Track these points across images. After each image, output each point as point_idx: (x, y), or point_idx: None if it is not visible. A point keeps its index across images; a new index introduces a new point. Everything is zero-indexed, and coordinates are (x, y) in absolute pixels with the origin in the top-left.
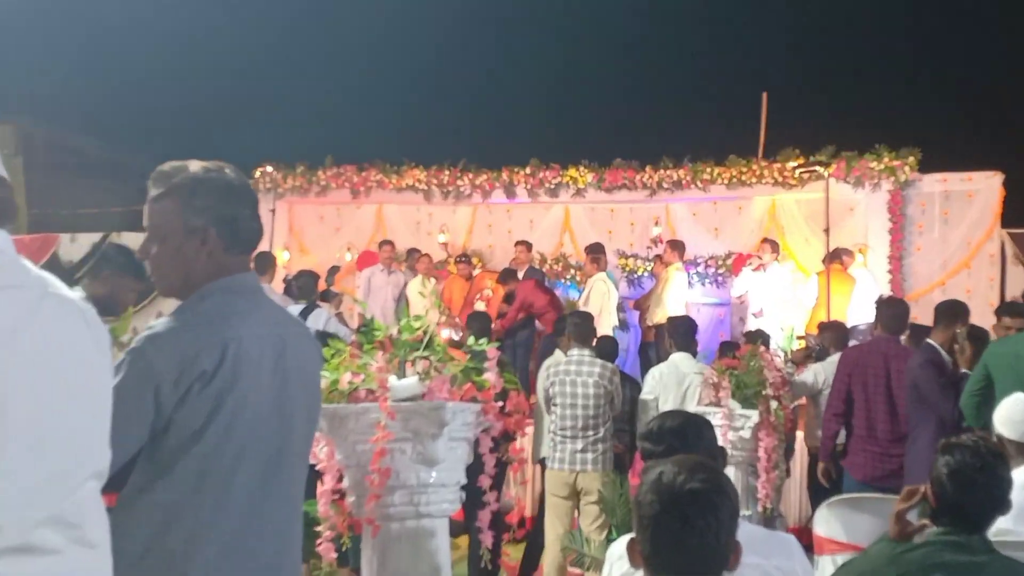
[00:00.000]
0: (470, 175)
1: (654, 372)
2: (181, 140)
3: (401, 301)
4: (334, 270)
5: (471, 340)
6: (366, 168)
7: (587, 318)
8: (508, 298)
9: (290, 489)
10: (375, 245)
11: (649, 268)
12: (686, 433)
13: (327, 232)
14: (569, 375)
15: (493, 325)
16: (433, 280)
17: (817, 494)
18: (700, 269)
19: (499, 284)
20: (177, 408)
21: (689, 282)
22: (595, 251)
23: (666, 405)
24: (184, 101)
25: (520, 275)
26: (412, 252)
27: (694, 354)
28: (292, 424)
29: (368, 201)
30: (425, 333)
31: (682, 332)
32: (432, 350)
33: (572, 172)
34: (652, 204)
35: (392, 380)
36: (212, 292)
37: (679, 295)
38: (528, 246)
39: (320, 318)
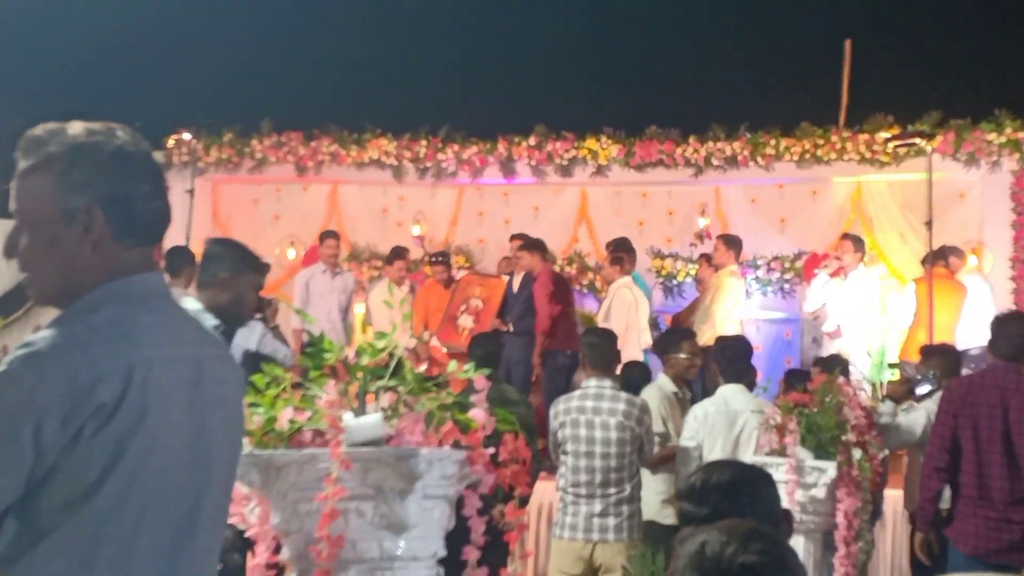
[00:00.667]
0: (454, 147)
1: (697, 411)
2: (70, 101)
3: (350, 312)
4: (264, 269)
5: (460, 366)
6: (316, 136)
7: (607, 337)
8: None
9: (205, 562)
10: None
11: (693, 272)
12: (738, 490)
13: (264, 220)
14: (584, 413)
15: (539, 329)
16: (407, 285)
17: (916, 573)
18: (760, 274)
19: (526, 254)
20: (65, 454)
21: (747, 291)
22: (620, 248)
23: (712, 454)
24: (74, 49)
25: (515, 278)
26: (396, 253)
27: (750, 386)
28: (210, 475)
29: (319, 180)
30: (392, 356)
31: (734, 357)
32: (401, 379)
33: (591, 143)
34: (697, 187)
35: (347, 418)
36: (105, 300)
37: (732, 308)
38: (533, 244)
39: (252, 334)
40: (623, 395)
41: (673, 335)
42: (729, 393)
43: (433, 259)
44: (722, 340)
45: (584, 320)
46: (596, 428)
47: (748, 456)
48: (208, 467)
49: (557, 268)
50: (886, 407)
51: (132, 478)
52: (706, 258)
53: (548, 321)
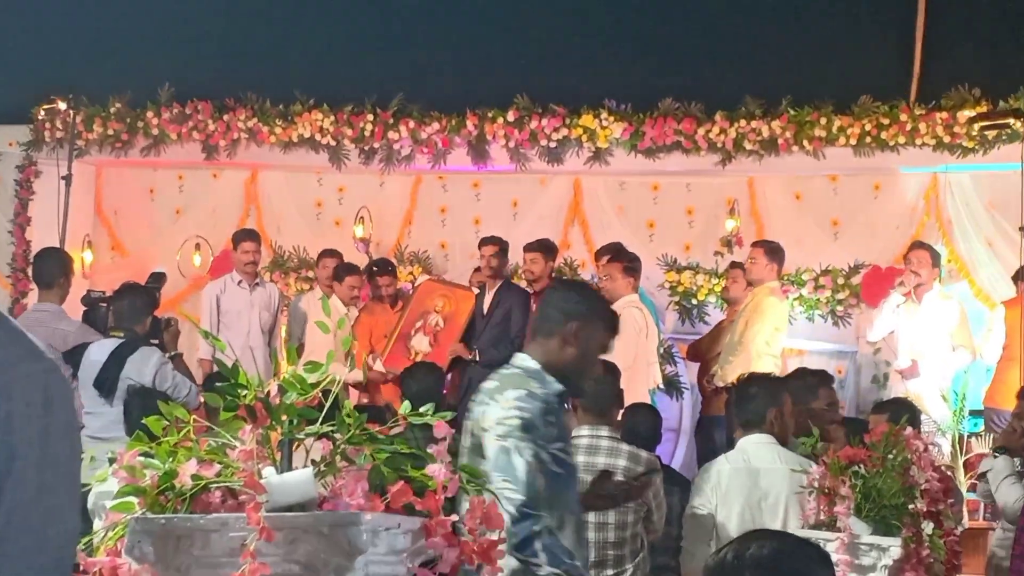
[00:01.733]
0: (409, 123)
1: (711, 469)
2: None
3: (275, 335)
4: (159, 278)
5: (403, 408)
6: (230, 108)
7: (607, 372)
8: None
9: None
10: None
11: (718, 289)
12: (778, 570)
13: (161, 216)
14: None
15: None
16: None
17: None
18: (806, 292)
19: (536, 254)
20: None
21: (791, 315)
22: (621, 256)
23: (728, 525)
24: None
25: (484, 291)
26: (347, 268)
27: (783, 439)
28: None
29: (233, 164)
30: (326, 394)
31: (756, 397)
32: (339, 423)
33: (587, 120)
34: (725, 178)
35: (269, 474)
36: None
37: (774, 337)
38: (548, 247)
39: (146, 364)
40: (624, 448)
41: (805, 377)
42: (751, 446)
43: (375, 270)
44: (749, 378)
45: None
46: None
47: (790, 529)
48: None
49: (539, 284)
50: (1000, 464)
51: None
52: (737, 270)
53: None
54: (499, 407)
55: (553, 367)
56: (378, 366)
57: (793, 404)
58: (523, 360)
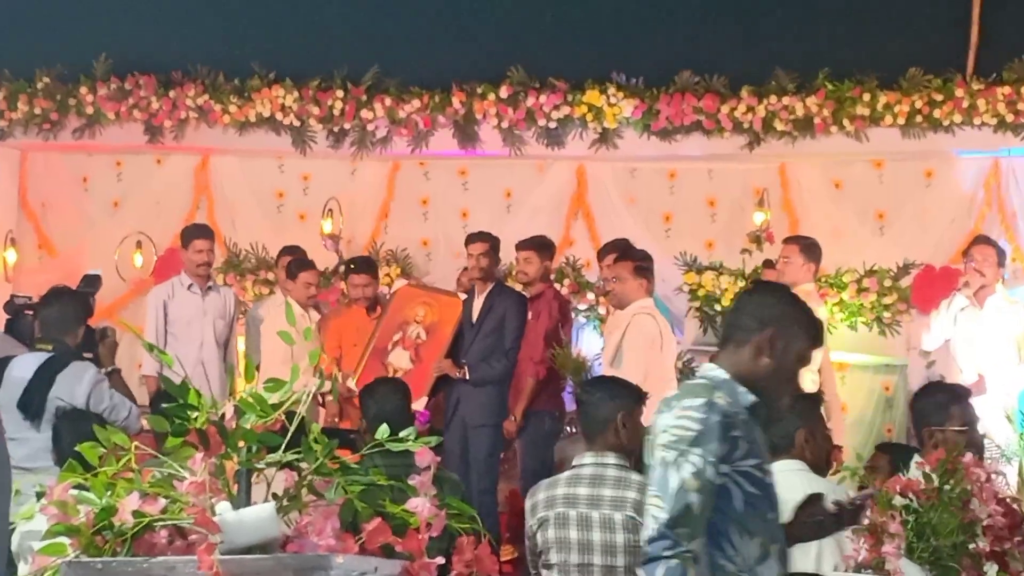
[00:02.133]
0: (386, 100)
1: None
2: None
3: (230, 347)
4: (93, 281)
5: (380, 432)
6: (177, 82)
7: (612, 391)
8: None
9: None
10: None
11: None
12: None
13: (96, 208)
14: (576, 506)
15: (529, 374)
16: (314, 310)
17: None
18: (847, 296)
19: (530, 252)
20: None
21: (830, 323)
22: (631, 255)
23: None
24: None
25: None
26: (300, 263)
27: (817, 466)
28: None
29: (180, 148)
30: (289, 416)
31: (786, 416)
32: (305, 450)
33: (592, 97)
34: (753, 164)
35: (223, 510)
36: None
37: None
38: (543, 244)
39: (80, 382)
40: (635, 478)
41: (935, 393)
42: (778, 474)
43: (351, 267)
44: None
45: (572, 367)
46: (594, 528)
47: (827, 568)
48: None
49: (534, 288)
50: None
51: None
52: (767, 271)
53: (544, 366)
54: (671, 415)
55: (745, 379)
56: (351, 385)
57: (920, 426)
58: (710, 370)
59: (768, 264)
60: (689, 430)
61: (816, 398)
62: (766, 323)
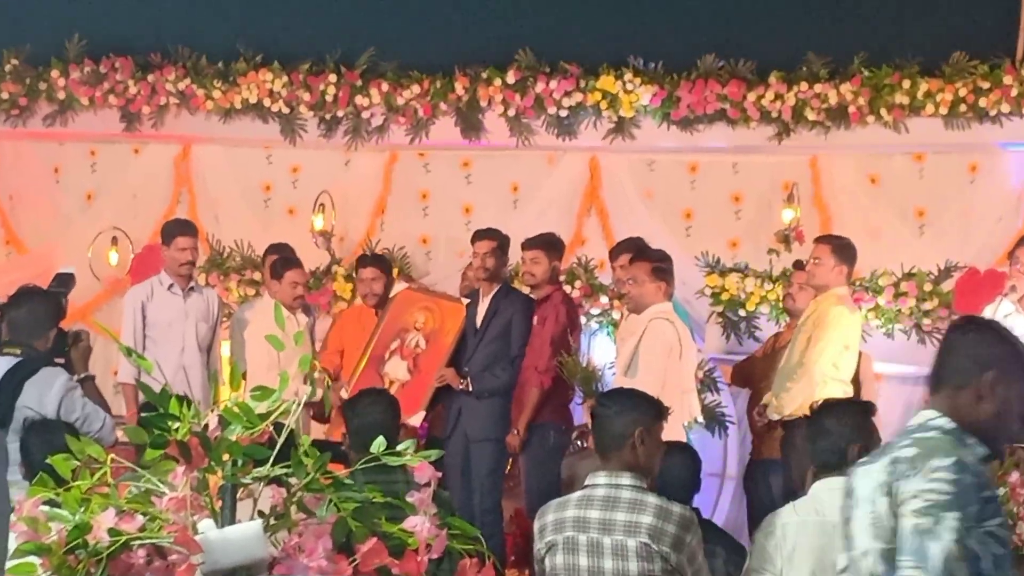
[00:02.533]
0: (382, 85)
1: (775, 523)
2: None
3: (214, 353)
4: (66, 281)
5: (376, 445)
6: (156, 65)
7: (630, 404)
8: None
9: None
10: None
11: (773, 295)
12: None
13: (68, 201)
14: (587, 530)
15: (534, 384)
16: (303, 313)
17: None
18: (883, 301)
19: (537, 252)
20: None
21: (865, 330)
22: (647, 255)
23: None
24: None
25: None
26: (285, 262)
27: None
28: None
29: (160, 137)
30: (277, 428)
31: (837, 432)
32: (295, 464)
33: (607, 83)
34: (782, 156)
35: (207, 529)
36: None
37: (842, 357)
38: (551, 243)
39: (50, 389)
40: (651, 500)
41: None
42: (826, 494)
43: (363, 262)
44: (825, 407)
45: (581, 377)
46: (606, 554)
47: None
48: None
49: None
50: None
51: None
52: (797, 274)
53: (550, 375)
54: (919, 478)
55: (968, 426)
56: (345, 397)
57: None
58: (934, 419)
59: (798, 265)
60: (943, 493)
61: (868, 409)
62: (985, 365)
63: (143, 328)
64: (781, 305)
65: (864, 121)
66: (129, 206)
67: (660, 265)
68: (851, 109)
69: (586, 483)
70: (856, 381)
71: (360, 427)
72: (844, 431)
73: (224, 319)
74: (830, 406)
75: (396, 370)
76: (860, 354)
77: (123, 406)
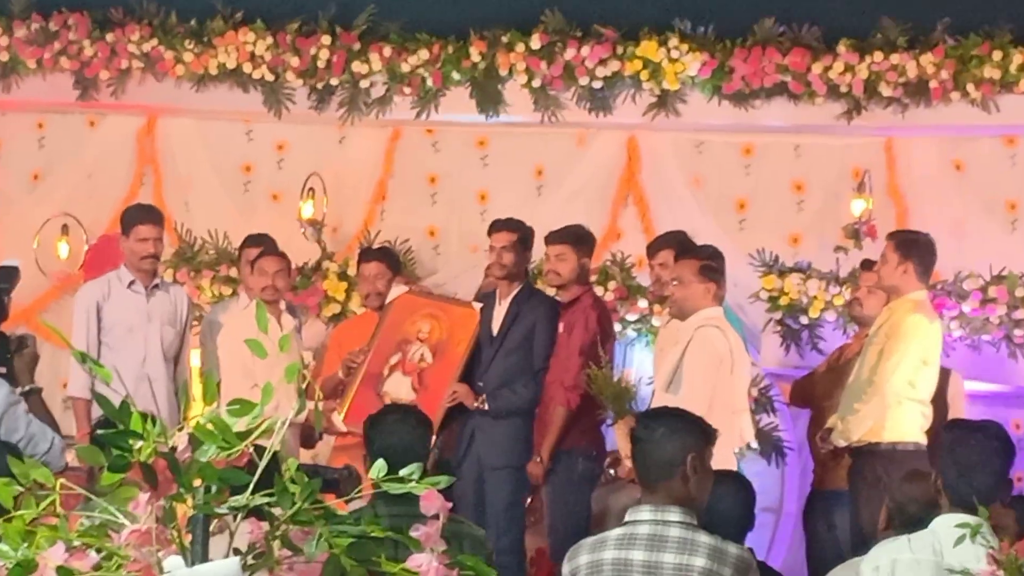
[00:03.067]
0: (384, 50)
1: (892, 557)
2: None
3: (182, 360)
4: (8, 275)
5: (375, 469)
6: (117, 23)
7: (679, 426)
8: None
9: None
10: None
11: (840, 300)
12: None
13: (11, 181)
14: (629, 572)
15: (559, 402)
16: (290, 315)
17: None
18: (968, 308)
19: (564, 247)
20: None
21: (947, 342)
22: (693, 251)
23: None
24: None
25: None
26: (270, 249)
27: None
28: None
29: (120, 107)
30: (258, 450)
31: (971, 459)
32: (280, 492)
33: (648, 49)
34: (851, 138)
35: (173, 567)
36: None
37: (919, 372)
38: (579, 237)
39: None
40: (703, 540)
41: None
42: (946, 530)
43: (365, 256)
44: (954, 427)
45: (612, 394)
46: None
47: None
48: None
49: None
50: None
51: None
52: (867, 275)
53: (577, 392)
54: None
55: None
56: (338, 422)
57: None
58: None
59: (866, 265)
60: None
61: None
62: None
63: (98, 333)
64: (845, 309)
65: (947, 98)
66: (83, 188)
67: (709, 263)
68: (932, 84)
69: (626, 519)
70: (940, 402)
71: (383, 449)
72: (990, 459)
73: (194, 323)
74: (958, 427)
75: (398, 389)
76: (948, 372)
77: (74, 424)
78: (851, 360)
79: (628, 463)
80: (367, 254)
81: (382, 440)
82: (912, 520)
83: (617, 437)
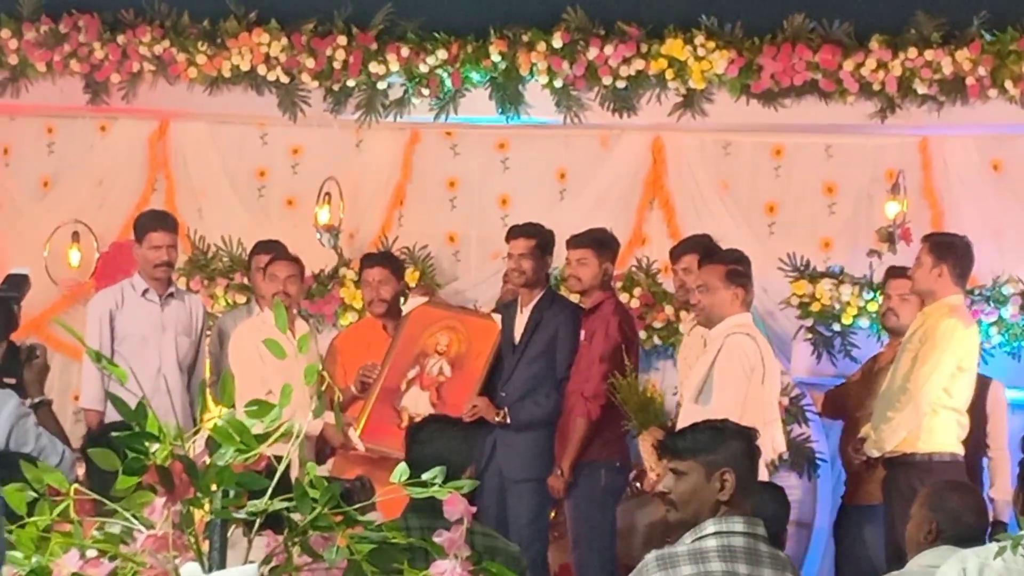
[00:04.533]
0: (402, 50)
1: (963, 566)
2: None
3: (198, 367)
4: (18, 283)
5: (396, 472)
6: (129, 25)
7: (705, 439)
8: None
9: None
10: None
11: (874, 307)
12: None
13: (20, 188)
14: None
15: (578, 413)
16: (303, 321)
17: None
18: (1011, 312)
19: (586, 251)
20: None
21: (985, 349)
22: (719, 256)
23: None
24: None
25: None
26: (280, 253)
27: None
28: None
29: (132, 111)
30: (276, 460)
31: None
32: (299, 497)
33: (674, 48)
34: (886, 138)
35: (190, 573)
36: None
37: (957, 381)
38: (602, 241)
39: (2, 411)
40: (764, 550)
41: None
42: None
43: (369, 262)
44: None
45: (637, 405)
46: None
47: None
48: None
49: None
50: None
51: None
52: (900, 282)
53: (599, 403)
54: None
55: None
56: (355, 439)
57: None
58: None
59: (894, 273)
60: None
61: None
62: None
63: (111, 342)
64: (879, 318)
65: (985, 95)
66: (94, 195)
67: (736, 268)
68: (969, 81)
69: (716, 530)
70: (979, 411)
71: (420, 459)
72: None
73: (209, 333)
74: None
75: (416, 404)
76: (988, 381)
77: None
78: (885, 368)
79: (653, 476)
80: (370, 259)
81: (420, 448)
82: (966, 534)
83: (642, 449)
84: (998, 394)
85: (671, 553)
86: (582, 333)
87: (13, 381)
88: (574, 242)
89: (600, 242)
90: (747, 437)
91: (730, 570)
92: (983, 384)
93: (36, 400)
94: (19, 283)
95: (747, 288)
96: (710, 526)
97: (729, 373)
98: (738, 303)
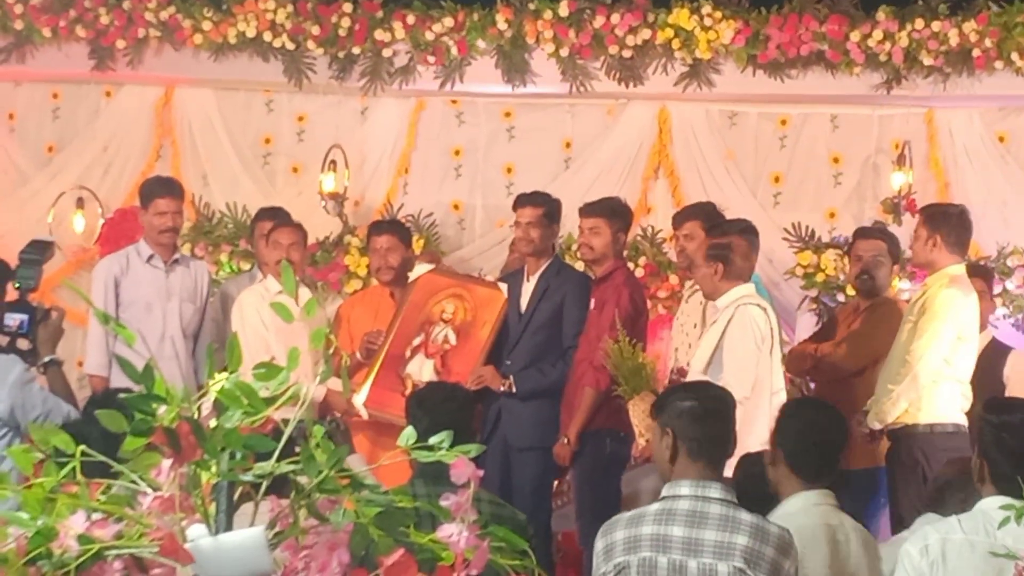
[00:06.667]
0: (407, 18)
1: (941, 536)
2: None
3: (203, 339)
4: (41, 249)
5: (402, 436)
6: None
7: (712, 406)
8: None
9: None
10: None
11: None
12: None
13: (25, 153)
14: (669, 550)
15: (585, 383)
16: (306, 288)
17: None
18: (1016, 284)
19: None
20: None
21: (986, 317)
22: (726, 228)
23: None
24: None
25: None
26: (284, 219)
27: None
28: None
29: (137, 78)
30: (282, 423)
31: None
32: (306, 460)
33: (680, 17)
34: (892, 108)
35: (197, 535)
36: None
37: (957, 350)
38: (612, 210)
39: (7, 377)
40: (745, 518)
41: None
42: (994, 510)
43: (377, 229)
44: (994, 405)
45: (627, 371)
46: None
47: None
48: None
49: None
50: None
51: None
52: (864, 239)
53: (607, 372)
54: None
55: None
56: (358, 405)
57: None
58: None
59: (863, 233)
60: None
61: None
62: None
63: (116, 309)
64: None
65: (991, 67)
66: (99, 161)
67: (716, 243)
68: (975, 53)
69: (664, 494)
70: (995, 380)
71: (429, 429)
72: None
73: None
74: (1001, 405)
75: (421, 371)
76: (1008, 350)
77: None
78: (843, 322)
79: (642, 441)
80: (378, 226)
81: (429, 419)
82: (961, 502)
83: (631, 414)
84: (1018, 364)
85: (617, 518)
86: (592, 302)
87: (28, 345)
88: (587, 210)
89: (613, 211)
90: (696, 397)
91: (662, 532)
92: (1002, 353)
93: (46, 359)
94: (43, 249)
95: (727, 263)
96: (664, 489)
97: (741, 343)
98: (718, 278)
